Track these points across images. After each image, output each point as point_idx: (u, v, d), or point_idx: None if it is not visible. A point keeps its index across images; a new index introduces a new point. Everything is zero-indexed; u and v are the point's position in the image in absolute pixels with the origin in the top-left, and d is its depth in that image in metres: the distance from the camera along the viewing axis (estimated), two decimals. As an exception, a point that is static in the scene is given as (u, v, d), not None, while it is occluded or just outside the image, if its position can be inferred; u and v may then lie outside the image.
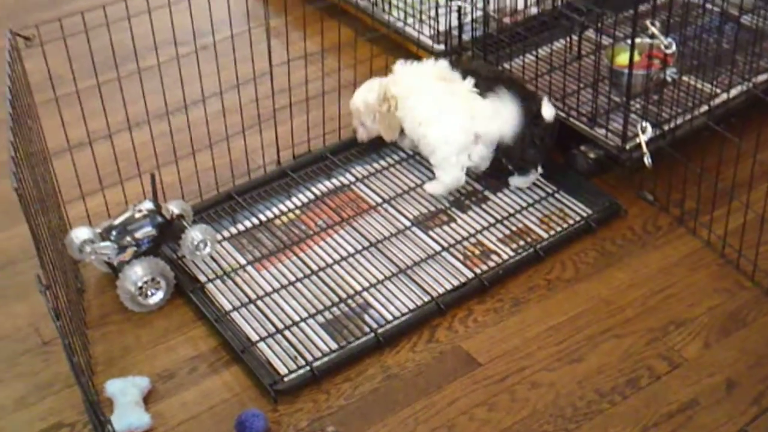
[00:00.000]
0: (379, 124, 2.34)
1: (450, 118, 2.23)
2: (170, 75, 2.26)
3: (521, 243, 2.20)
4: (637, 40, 2.24)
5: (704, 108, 2.34)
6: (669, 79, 2.30)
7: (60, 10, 2.05)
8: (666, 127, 2.28)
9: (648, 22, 2.16)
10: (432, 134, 2.24)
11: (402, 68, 2.35)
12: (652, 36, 2.16)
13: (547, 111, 2.22)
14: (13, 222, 2.34)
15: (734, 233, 2.13)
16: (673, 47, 2.15)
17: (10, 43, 1.93)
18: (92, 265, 2.17)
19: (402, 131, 2.36)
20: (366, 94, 2.36)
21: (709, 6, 2.54)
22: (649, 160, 2.21)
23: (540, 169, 2.32)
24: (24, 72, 2.03)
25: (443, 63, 2.32)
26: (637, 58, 2.28)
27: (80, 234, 2.05)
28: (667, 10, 2.38)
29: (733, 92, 2.39)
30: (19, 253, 2.26)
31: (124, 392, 1.87)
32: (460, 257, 2.16)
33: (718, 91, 2.38)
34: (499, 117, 2.20)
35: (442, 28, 2.66)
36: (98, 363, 1.99)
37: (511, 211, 2.29)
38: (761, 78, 2.46)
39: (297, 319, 2.02)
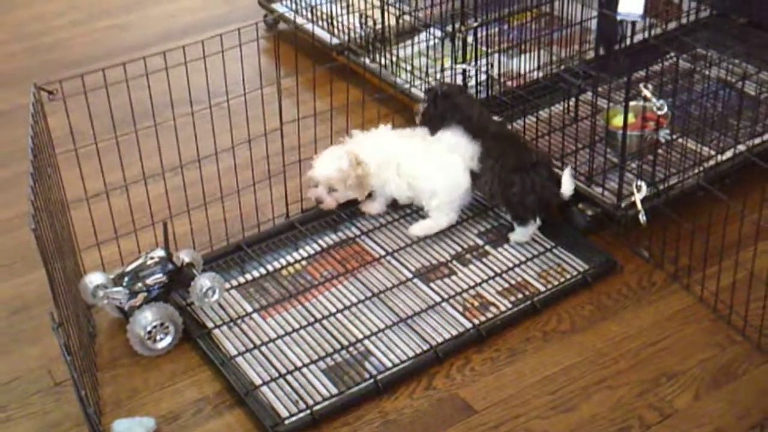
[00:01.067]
0: (356, 187, 2.44)
1: (448, 166, 2.41)
2: (185, 131, 2.38)
3: (519, 296, 2.27)
4: (632, 103, 2.34)
5: (698, 169, 2.42)
6: (662, 139, 2.39)
7: (82, 69, 2.16)
8: (661, 187, 2.37)
9: (641, 86, 2.25)
10: (433, 184, 2.41)
11: (361, 136, 2.51)
12: (645, 99, 2.25)
13: (566, 184, 2.35)
14: (30, 269, 2.44)
15: (726, 290, 2.20)
16: (666, 109, 2.24)
17: (34, 96, 2.05)
18: (104, 310, 2.25)
19: (369, 195, 2.52)
20: (335, 163, 2.43)
21: (706, 72, 2.64)
22: (644, 217, 2.29)
23: (539, 221, 2.39)
24: (47, 125, 2.14)
25: (388, 127, 2.53)
26: (632, 119, 2.37)
27: (94, 279, 2.14)
28: (661, 76, 2.48)
29: (727, 155, 2.47)
30: (34, 298, 2.35)
31: (131, 431, 1.93)
32: (460, 308, 2.24)
33: (712, 152, 2.47)
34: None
35: (447, 90, 2.76)
36: (107, 404, 2.06)
37: (510, 265, 2.36)
38: (755, 141, 2.54)
39: (299, 364, 2.09)
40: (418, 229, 2.44)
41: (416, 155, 2.45)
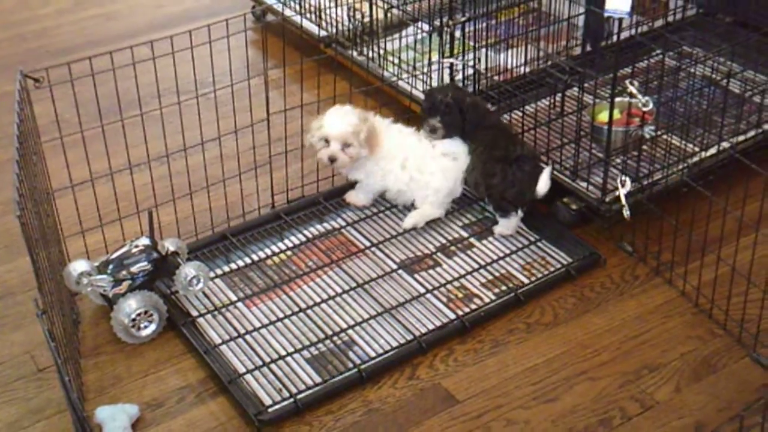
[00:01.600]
0: (368, 142, 2.41)
1: (450, 170, 2.46)
2: (172, 121, 2.38)
3: (503, 288, 2.28)
4: (618, 99, 2.35)
5: (682, 165, 2.44)
6: (647, 135, 2.40)
7: (68, 57, 2.16)
8: (645, 182, 2.38)
9: (627, 82, 2.27)
10: (435, 183, 2.44)
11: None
12: (631, 95, 2.27)
13: (543, 182, 2.35)
14: (13, 256, 2.44)
15: (708, 284, 2.22)
16: (651, 105, 2.26)
17: (20, 84, 2.04)
18: (88, 297, 2.25)
19: (353, 186, 2.54)
20: (346, 118, 2.40)
21: (692, 70, 2.66)
22: (628, 212, 2.30)
23: (521, 213, 2.41)
24: (32, 113, 2.13)
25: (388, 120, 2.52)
26: (617, 115, 2.39)
27: (78, 266, 2.14)
28: (647, 73, 2.50)
29: (711, 151, 2.49)
30: (18, 285, 2.35)
31: (114, 417, 1.93)
32: (444, 299, 2.25)
33: (696, 149, 2.49)
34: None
35: (435, 83, 2.78)
36: (90, 391, 2.05)
37: (495, 257, 2.37)
38: (739, 139, 2.56)
39: (283, 353, 2.10)
40: (411, 220, 2.46)
41: (425, 153, 2.46)
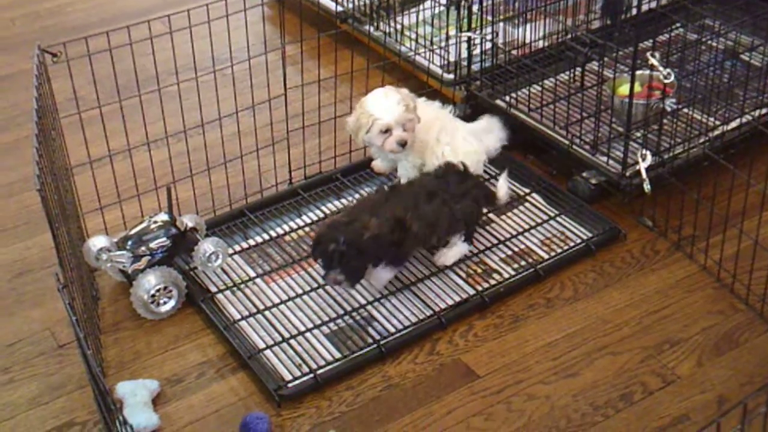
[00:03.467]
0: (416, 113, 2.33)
1: (479, 150, 2.45)
2: (189, 97, 2.37)
3: (522, 263, 2.27)
4: (638, 72, 2.32)
5: (703, 139, 2.42)
6: (668, 108, 2.38)
7: (84, 34, 2.15)
8: (665, 156, 2.36)
9: (648, 54, 2.24)
10: (467, 159, 2.36)
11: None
12: (652, 68, 2.24)
13: (502, 189, 2.32)
14: (32, 233, 2.44)
15: (730, 259, 2.20)
16: (672, 78, 2.23)
17: (38, 59, 2.04)
18: (108, 273, 2.25)
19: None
20: (394, 100, 2.30)
21: (713, 43, 2.63)
22: (649, 186, 2.28)
23: (469, 245, 2.27)
24: (50, 89, 2.13)
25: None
26: (638, 88, 2.36)
27: (97, 242, 2.14)
28: (668, 46, 2.47)
29: (732, 125, 2.46)
30: (37, 261, 2.35)
31: (134, 393, 1.94)
32: (463, 275, 2.23)
33: (718, 123, 2.46)
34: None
35: (452, 58, 2.76)
36: (110, 367, 2.06)
37: (514, 232, 2.36)
38: (761, 112, 2.53)
39: (303, 329, 2.09)
40: None
41: (459, 128, 2.44)
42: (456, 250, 2.25)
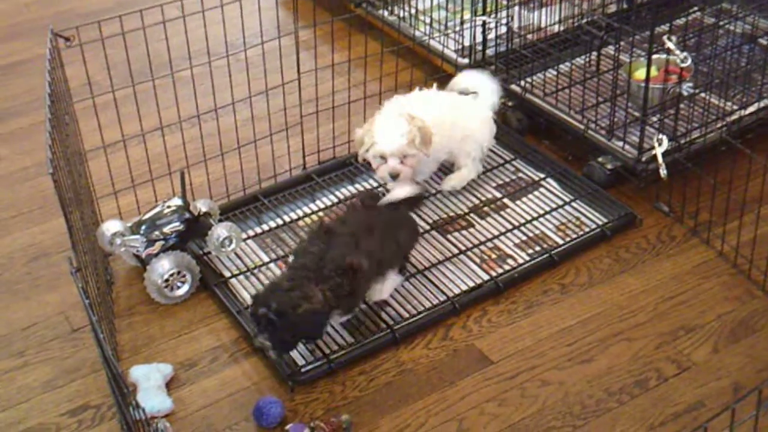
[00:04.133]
0: (423, 143, 2.23)
1: (487, 118, 2.44)
2: (202, 82, 2.36)
3: (537, 248, 2.25)
4: (655, 56, 2.30)
5: (720, 123, 2.39)
6: (685, 92, 2.35)
7: (98, 19, 2.15)
8: (682, 141, 2.34)
9: (665, 37, 2.22)
10: (482, 137, 2.41)
11: (401, 100, 2.36)
12: (669, 51, 2.22)
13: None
14: (47, 217, 2.45)
15: (746, 245, 2.18)
16: (689, 61, 2.21)
17: (51, 43, 2.03)
18: (121, 258, 2.25)
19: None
20: (397, 129, 2.22)
21: (731, 27, 2.60)
22: (665, 171, 2.26)
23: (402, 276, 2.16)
24: (64, 74, 2.13)
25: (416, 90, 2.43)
26: (654, 72, 2.34)
27: (111, 227, 2.14)
28: (685, 30, 2.44)
29: (750, 109, 2.44)
30: (52, 246, 2.36)
31: (148, 377, 1.94)
32: (477, 260, 2.22)
33: (735, 107, 2.44)
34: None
35: (467, 42, 2.74)
36: (124, 351, 2.06)
37: (529, 218, 2.34)
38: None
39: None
40: (452, 182, 2.42)
41: (468, 110, 2.41)
42: (390, 283, 2.11)
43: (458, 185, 2.42)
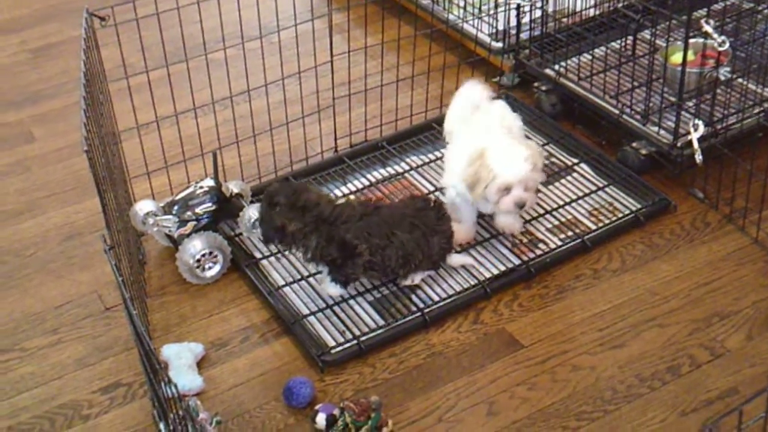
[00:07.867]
0: (541, 168, 2.11)
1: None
2: (236, 65, 2.37)
3: (569, 233, 2.24)
4: (692, 40, 2.27)
5: (758, 109, 2.36)
6: (722, 77, 2.32)
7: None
8: (718, 126, 2.31)
9: (702, 21, 2.19)
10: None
11: (483, 119, 2.21)
12: (706, 35, 2.18)
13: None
14: (81, 198, 2.47)
15: (783, 231, 2.15)
16: (727, 45, 2.17)
17: (86, 23, 2.04)
18: (154, 238, 2.27)
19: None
20: (520, 156, 2.06)
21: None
22: (700, 157, 2.23)
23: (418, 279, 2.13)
24: (99, 55, 2.14)
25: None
26: (691, 57, 2.31)
27: (144, 206, 2.16)
28: (723, 15, 2.41)
29: (788, 95, 2.40)
30: (86, 225, 2.38)
31: (179, 356, 1.95)
32: (509, 245, 2.21)
33: (773, 93, 2.40)
34: None
35: (501, 26, 2.72)
36: (155, 330, 2.08)
37: (561, 202, 2.33)
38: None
39: (347, 296, 2.09)
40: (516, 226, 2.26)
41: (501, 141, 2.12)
42: (420, 273, 2.10)
43: (516, 229, 2.25)
